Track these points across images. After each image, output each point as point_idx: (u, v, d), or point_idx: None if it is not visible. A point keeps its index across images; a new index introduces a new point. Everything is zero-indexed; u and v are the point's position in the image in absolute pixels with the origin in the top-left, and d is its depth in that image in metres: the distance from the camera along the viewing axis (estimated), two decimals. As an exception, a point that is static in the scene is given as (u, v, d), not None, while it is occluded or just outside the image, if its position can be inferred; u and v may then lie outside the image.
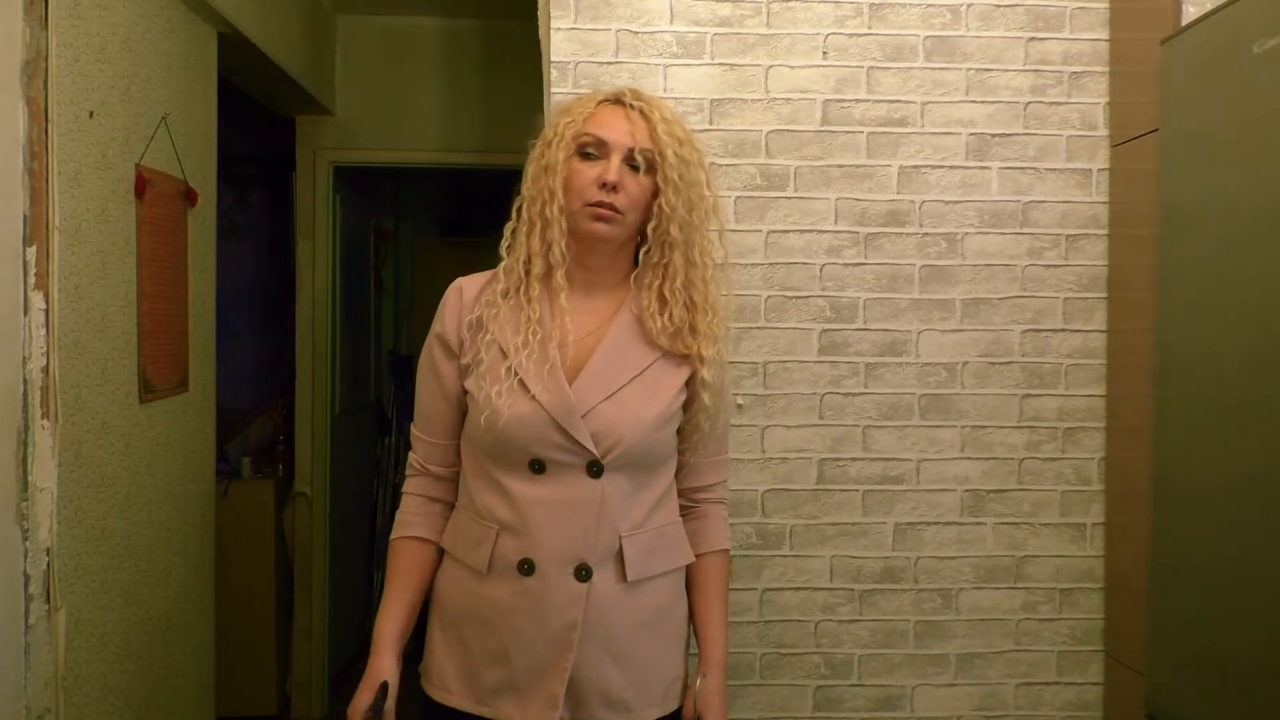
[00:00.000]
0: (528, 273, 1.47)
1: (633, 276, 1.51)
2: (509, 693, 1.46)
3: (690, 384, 1.50)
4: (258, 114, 3.95)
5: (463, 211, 5.20)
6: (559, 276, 1.47)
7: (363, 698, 1.48)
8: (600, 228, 1.44)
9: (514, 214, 1.50)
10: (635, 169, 1.45)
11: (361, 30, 4.00)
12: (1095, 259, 2.18)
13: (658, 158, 1.44)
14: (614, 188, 1.42)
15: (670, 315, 1.47)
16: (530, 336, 1.44)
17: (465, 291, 1.53)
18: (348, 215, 4.30)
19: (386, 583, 1.57)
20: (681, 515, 1.57)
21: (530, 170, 1.48)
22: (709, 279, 1.49)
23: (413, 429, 1.59)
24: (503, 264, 1.50)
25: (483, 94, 4.02)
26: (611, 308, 1.50)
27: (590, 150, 1.45)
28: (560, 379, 1.43)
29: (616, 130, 1.44)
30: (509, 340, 1.45)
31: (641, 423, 1.45)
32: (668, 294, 1.47)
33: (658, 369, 1.48)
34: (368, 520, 4.86)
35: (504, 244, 1.50)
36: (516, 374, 1.43)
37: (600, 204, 1.43)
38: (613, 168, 1.43)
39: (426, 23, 4.01)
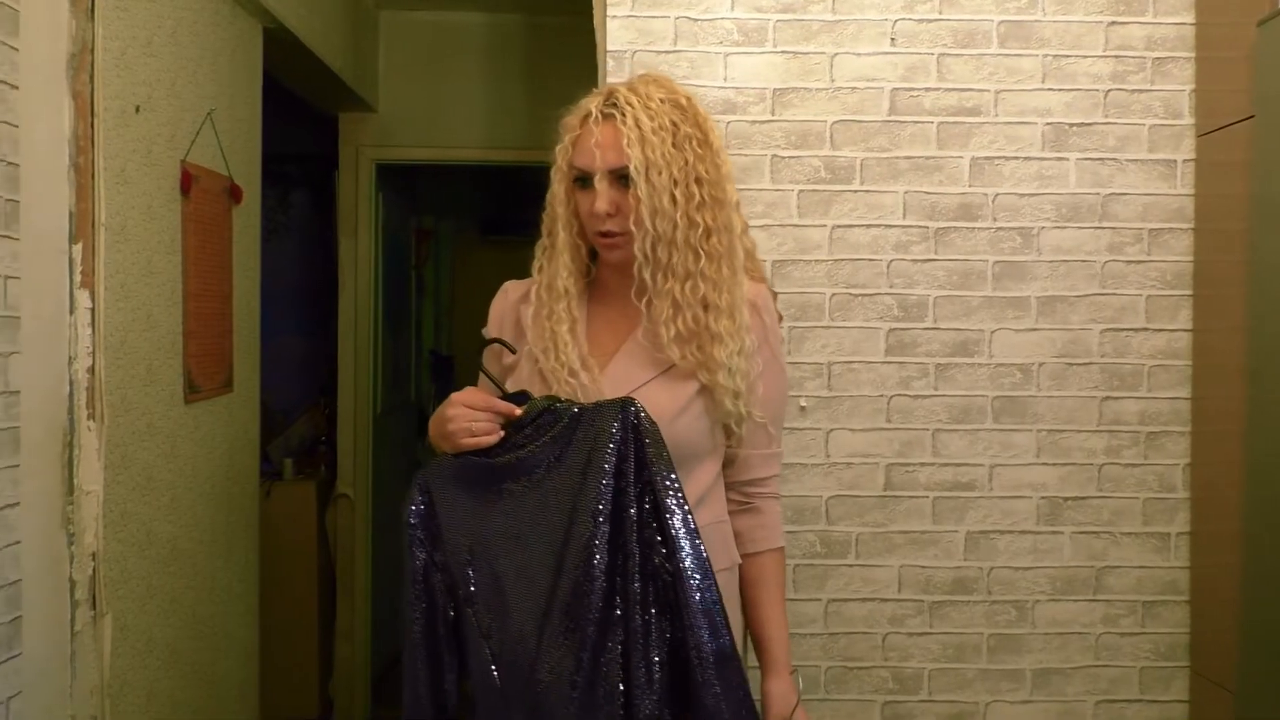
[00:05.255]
0: (555, 289, 1.46)
1: (650, 287, 1.44)
2: None
3: (706, 390, 1.43)
4: (300, 111, 3.91)
5: (503, 210, 5.14)
6: (587, 293, 1.49)
7: (473, 399, 1.39)
8: (613, 255, 1.44)
9: (543, 232, 1.50)
10: (626, 180, 1.38)
11: (405, 26, 3.95)
12: (1180, 254, 2.07)
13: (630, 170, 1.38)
14: (606, 216, 1.40)
15: (684, 320, 1.41)
16: (558, 345, 1.44)
17: (510, 294, 1.55)
18: (389, 214, 4.25)
19: None
20: (736, 510, 1.53)
21: (549, 193, 1.48)
22: (726, 277, 1.41)
23: None
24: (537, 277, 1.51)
25: (526, 90, 3.96)
26: (638, 316, 1.47)
27: (581, 179, 1.43)
28: (584, 383, 1.42)
29: (590, 155, 1.40)
30: (540, 349, 1.45)
31: (665, 411, 1.39)
32: (679, 298, 1.41)
33: (678, 370, 1.44)
34: (409, 522, 4.81)
35: (535, 264, 1.51)
36: (545, 380, 1.43)
37: (602, 233, 1.42)
38: (599, 198, 1.39)
39: (470, 18, 3.95)
